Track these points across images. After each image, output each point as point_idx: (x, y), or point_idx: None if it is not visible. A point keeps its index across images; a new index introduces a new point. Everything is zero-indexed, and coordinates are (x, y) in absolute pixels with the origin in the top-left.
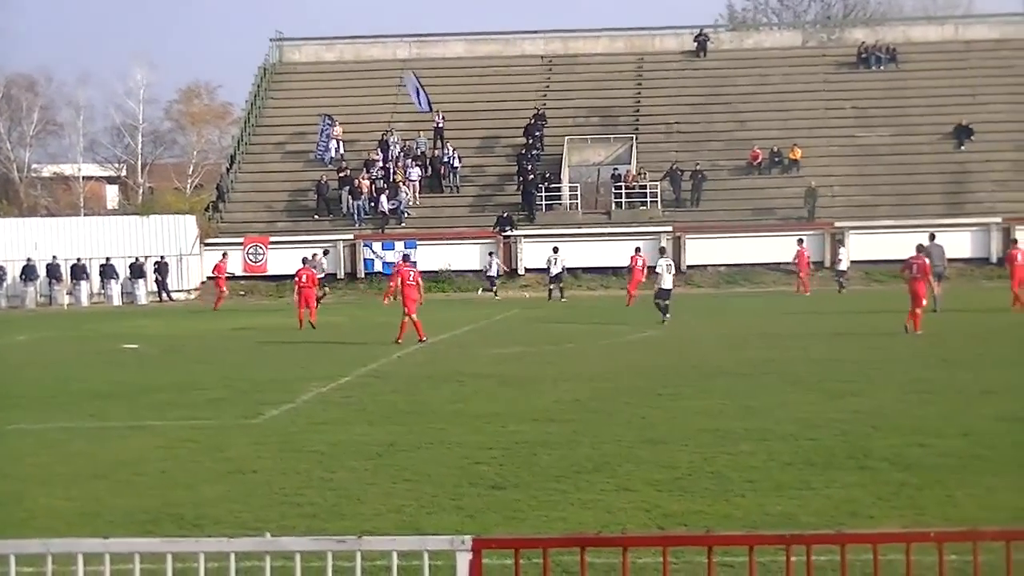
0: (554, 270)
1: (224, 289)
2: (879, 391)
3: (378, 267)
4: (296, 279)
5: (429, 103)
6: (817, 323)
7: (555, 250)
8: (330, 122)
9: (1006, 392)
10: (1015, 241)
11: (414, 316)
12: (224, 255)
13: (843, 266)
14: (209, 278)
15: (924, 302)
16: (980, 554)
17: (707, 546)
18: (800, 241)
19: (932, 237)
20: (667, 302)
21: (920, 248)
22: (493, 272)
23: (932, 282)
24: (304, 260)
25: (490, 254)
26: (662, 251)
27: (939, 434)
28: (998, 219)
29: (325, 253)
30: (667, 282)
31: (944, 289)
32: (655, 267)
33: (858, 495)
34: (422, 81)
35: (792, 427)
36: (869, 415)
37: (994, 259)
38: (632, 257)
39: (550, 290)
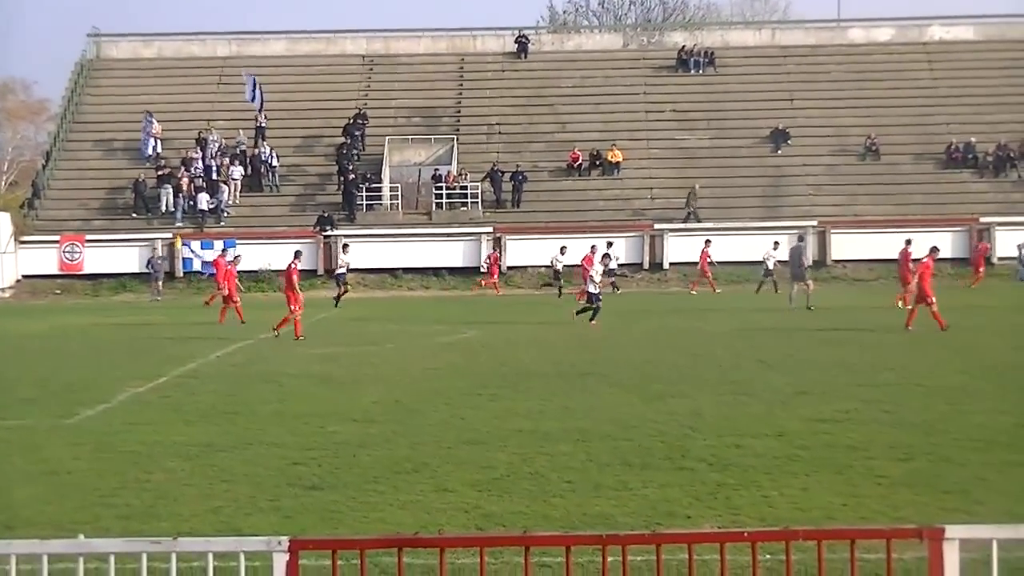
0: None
1: (221, 285)
2: (696, 392)
3: (197, 266)
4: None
5: (262, 104)
6: (634, 325)
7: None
8: (150, 119)
9: (819, 393)
10: (908, 242)
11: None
12: (224, 251)
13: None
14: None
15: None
16: (793, 553)
17: (524, 546)
18: (707, 242)
19: (800, 239)
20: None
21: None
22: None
23: (795, 281)
24: (297, 254)
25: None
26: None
27: (755, 435)
28: (814, 222)
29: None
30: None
31: (803, 288)
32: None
33: (675, 495)
34: (239, 80)
35: (610, 428)
36: (686, 416)
37: (810, 262)
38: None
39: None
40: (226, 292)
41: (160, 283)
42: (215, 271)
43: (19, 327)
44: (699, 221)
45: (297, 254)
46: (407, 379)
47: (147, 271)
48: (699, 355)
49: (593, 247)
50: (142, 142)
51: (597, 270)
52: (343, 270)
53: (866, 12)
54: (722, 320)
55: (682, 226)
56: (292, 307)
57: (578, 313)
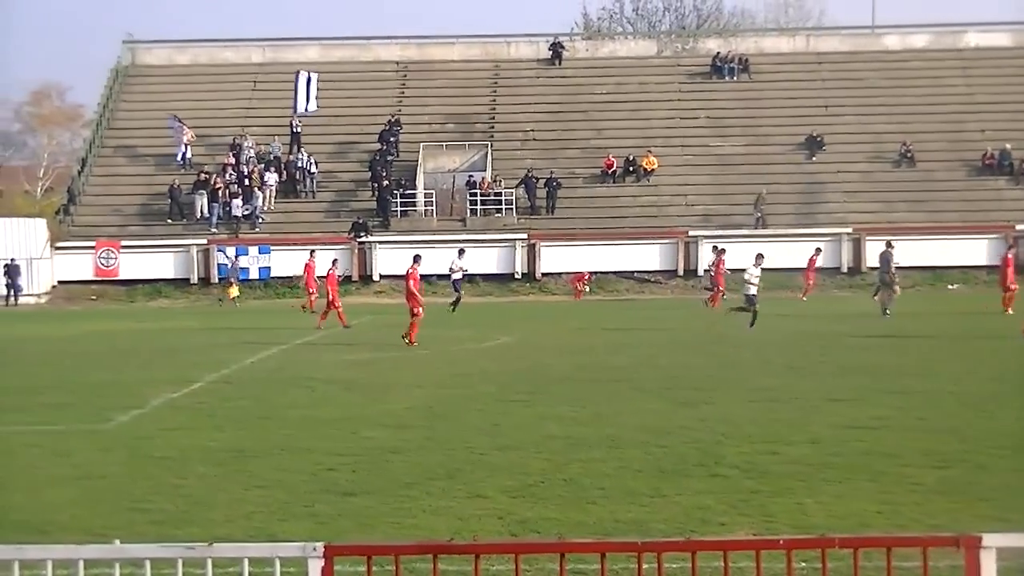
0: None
1: (312, 290)
2: (728, 399)
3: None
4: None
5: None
6: (667, 331)
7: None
8: (179, 124)
9: (852, 400)
10: (723, 251)
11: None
12: (312, 253)
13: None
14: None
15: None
16: (828, 561)
17: (559, 553)
18: (722, 251)
19: (889, 244)
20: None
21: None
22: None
23: (882, 287)
24: (334, 261)
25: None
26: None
27: (788, 441)
28: (848, 229)
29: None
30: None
31: (887, 296)
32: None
33: (709, 502)
34: (275, 87)
35: (643, 434)
36: (719, 423)
37: (844, 269)
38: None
39: None
40: (315, 296)
41: (232, 288)
42: (305, 274)
43: (54, 332)
44: (765, 227)
45: (416, 258)
46: (440, 385)
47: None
48: (730, 361)
49: (723, 250)
50: (175, 147)
51: (754, 272)
52: (459, 275)
53: (901, 19)
54: (744, 329)
55: (717, 233)
56: (416, 310)
57: (731, 310)
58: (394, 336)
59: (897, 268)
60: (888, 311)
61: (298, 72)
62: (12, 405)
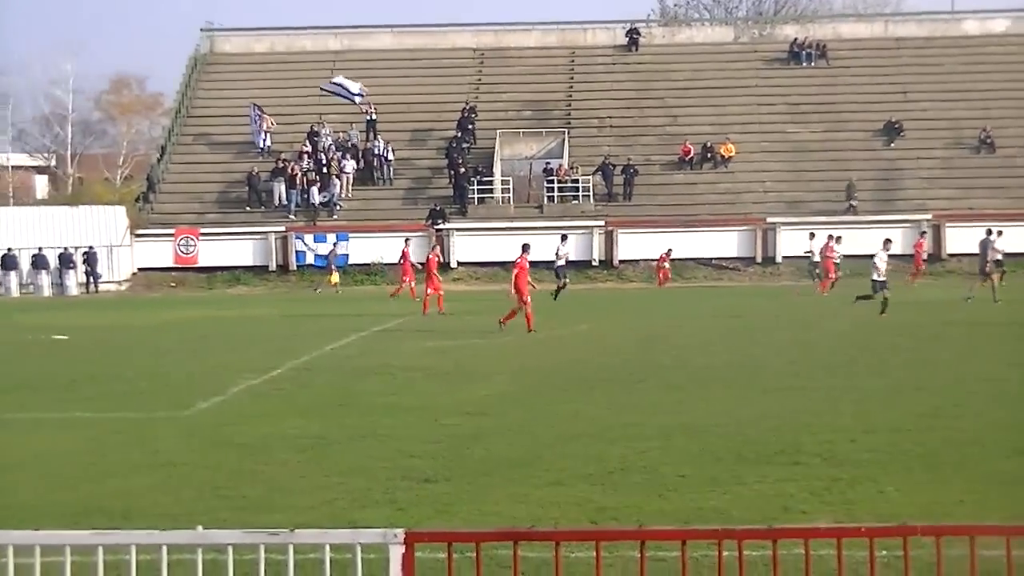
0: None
1: (408, 278)
2: (808, 387)
3: (310, 259)
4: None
5: (358, 92)
6: (747, 318)
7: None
8: (259, 112)
9: (934, 388)
10: (838, 238)
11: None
12: (406, 240)
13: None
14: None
15: None
16: (910, 549)
17: (639, 540)
18: (838, 238)
19: (989, 232)
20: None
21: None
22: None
23: (980, 275)
24: (434, 246)
25: None
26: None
27: (868, 430)
28: (928, 216)
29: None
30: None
31: (986, 283)
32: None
33: (790, 490)
34: (351, 74)
35: (723, 422)
36: (800, 412)
37: (924, 256)
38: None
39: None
40: (412, 283)
41: (332, 276)
42: (402, 261)
43: (135, 320)
44: (856, 214)
45: (525, 247)
46: (519, 373)
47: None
48: (811, 349)
49: (839, 237)
50: (253, 135)
51: (881, 257)
52: (562, 262)
53: (980, 3)
54: (835, 315)
55: (795, 219)
56: (524, 300)
57: (858, 298)
58: (472, 323)
59: (999, 257)
60: (970, 298)
61: (327, 86)
62: (95, 393)
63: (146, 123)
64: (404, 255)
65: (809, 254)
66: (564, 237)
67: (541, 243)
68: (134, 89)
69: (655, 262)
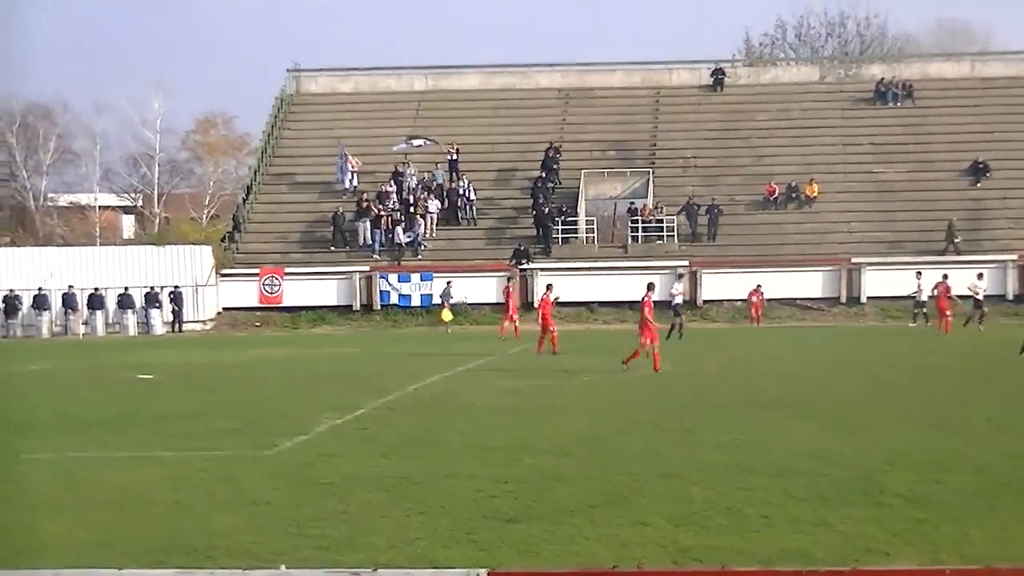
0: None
1: (514, 315)
2: (891, 426)
3: (394, 299)
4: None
5: (429, 140)
6: (831, 357)
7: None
8: (345, 152)
9: (1020, 429)
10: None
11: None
12: (510, 279)
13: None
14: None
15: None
16: None
17: None
18: (945, 276)
19: None
20: None
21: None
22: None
23: None
24: (548, 286)
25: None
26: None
27: (953, 470)
28: (1014, 256)
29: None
30: None
31: None
32: None
33: (873, 531)
34: (434, 115)
35: (805, 461)
36: (883, 450)
37: (1011, 296)
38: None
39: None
40: (516, 321)
41: (444, 312)
42: (507, 299)
43: (219, 359)
44: (959, 253)
45: (650, 286)
46: (601, 411)
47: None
48: (892, 388)
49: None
50: (337, 174)
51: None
52: (679, 299)
53: None
54: (916, 352)
55: (880, 260)
56: (644, 339)
57: None
58: (554, 363)
59: None
60: None
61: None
62: (181, 430)
63: (232, 163)
64: (508, 293)
65: (916, 294)
66: (680, 276)
67: (626, 284)
68: (221, 129)
69: (745, 300)
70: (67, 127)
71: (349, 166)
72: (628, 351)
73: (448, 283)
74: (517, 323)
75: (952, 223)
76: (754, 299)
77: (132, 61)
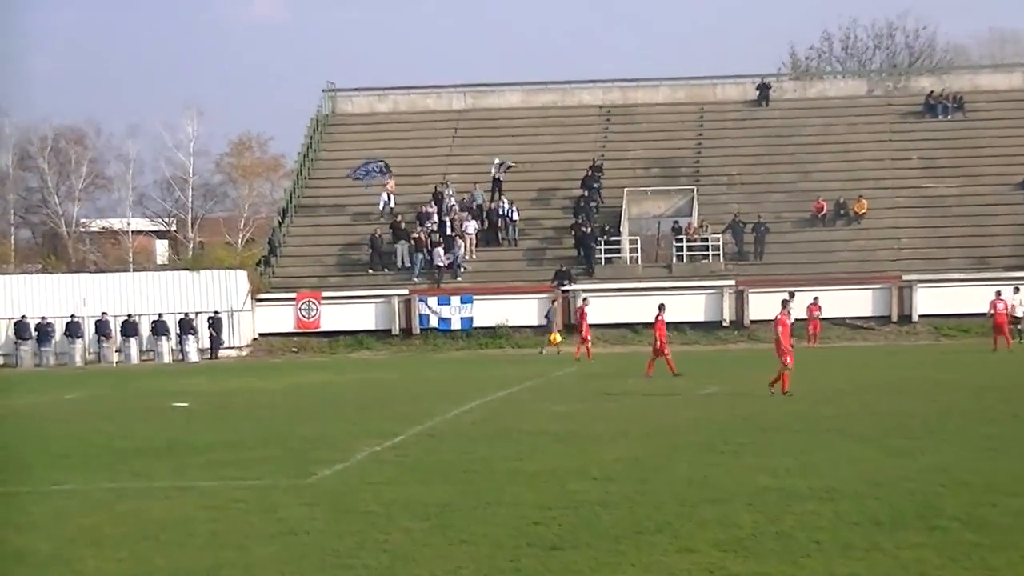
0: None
1: (588, 337)
2: (944, 447)
3: (433, 323)
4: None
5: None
6: (878, 376)
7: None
8: (385, 169)
9: None
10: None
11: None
12: (584, 299)
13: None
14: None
15: None
16: None
17: None
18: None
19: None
20: None
21: None
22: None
23: None
24: (660, 306)
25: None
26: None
27: (1010, 492)
28: None
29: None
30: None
31: None
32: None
33: (928, 556)
34: (474, 132)
35: (858, 485)
36: (937, 472)
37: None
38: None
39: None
40: (589, 343)
41: (554, 335)
42: (580, 322)
43: (257, 385)
44: None
45: (784, 303)
46: (647, 436)
47: (543, 322)
48: (946, 408)
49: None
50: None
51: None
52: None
53: None
54: (970, 372)
55: (932, 277)
56: (786, 360)
57: None
58: (598, 385)
59: None
60: None
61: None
62: (219, 460)
63: (268, 185)
64: (582, 315)
65: (1010, 310)
66: (792, 295)
67: (671, 304)
68: (255, 151)
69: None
70: (99, 151)
71: (387, 186)
72: (773, 374)
73: (553, 302)
74: (590, 344)
75: None
76: (815, 314)
77: (165, 83)
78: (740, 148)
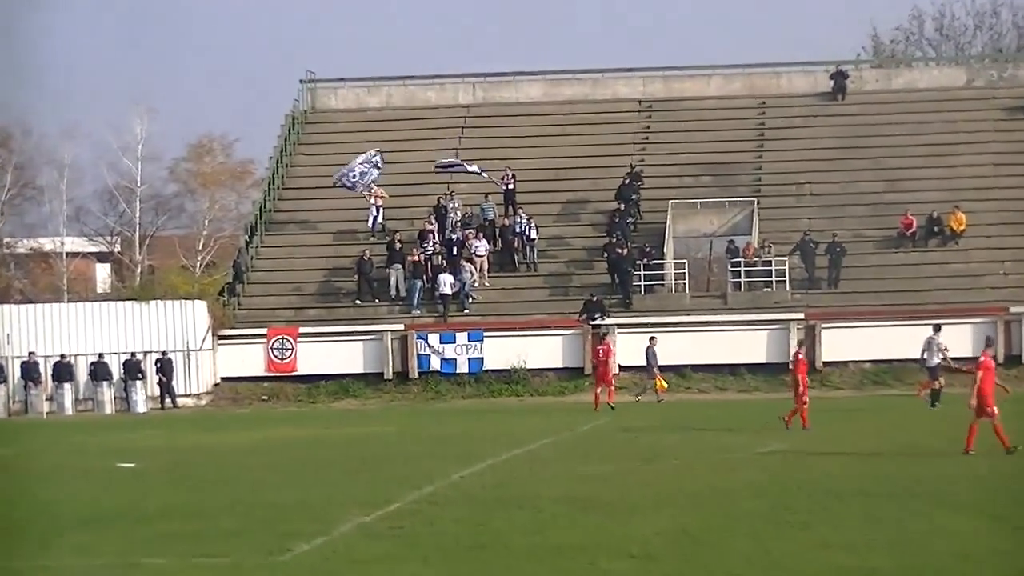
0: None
1: (609, 379)
2: None
3: (435, 364)
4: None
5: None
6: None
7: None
8: (380, 164)
9: None
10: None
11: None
12: (652, 339)
13: None
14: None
15: None
16: None
17: None
18: None
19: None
20: None
21: None
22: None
23: None
24: (800, 343)
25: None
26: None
27: None
28: None
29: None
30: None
31: None
32: None
33: None
34: (486, 132)
35: (954, 563)
36: None
37: None
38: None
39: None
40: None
41: (659, 381)
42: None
43: (219, 441)
44: None
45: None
46: (696, 503)
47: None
48: None
49: None
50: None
51: None
52: (938, 358)
53: None
54: None
55: None
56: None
57: None
58: (637, 443)
59: None
60: None
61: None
62: (173, 531)
63: (233, 196)
64: (608, 352)
65: None
66: (937, 328)
67: (726, 342)
68: (218, 155)
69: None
70: (28, 156)
71: (374, 200)
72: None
73: (652, 339)
74: (613, 388)
75: None
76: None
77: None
78: (810, 151)
